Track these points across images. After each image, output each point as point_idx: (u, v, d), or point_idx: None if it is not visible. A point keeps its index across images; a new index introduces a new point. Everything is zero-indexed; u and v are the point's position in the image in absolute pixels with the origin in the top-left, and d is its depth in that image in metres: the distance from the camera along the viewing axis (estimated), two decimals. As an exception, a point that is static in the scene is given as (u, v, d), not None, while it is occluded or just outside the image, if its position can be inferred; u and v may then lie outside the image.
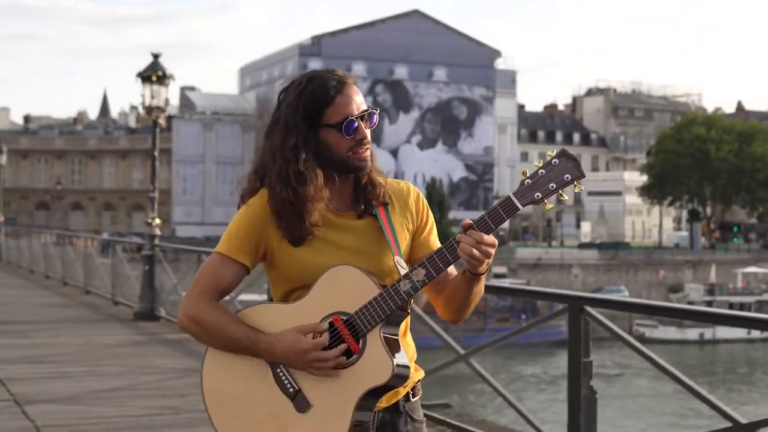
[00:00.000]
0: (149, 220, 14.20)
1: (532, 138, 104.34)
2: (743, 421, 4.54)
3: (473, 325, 45.65)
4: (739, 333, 50.57)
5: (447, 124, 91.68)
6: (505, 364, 40.90)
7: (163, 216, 25.32)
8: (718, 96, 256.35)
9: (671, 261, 72.67)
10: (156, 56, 14.85)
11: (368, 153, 2.58)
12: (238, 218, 2.60)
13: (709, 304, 54.29)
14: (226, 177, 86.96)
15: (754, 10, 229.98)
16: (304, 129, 2.55)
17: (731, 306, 54.35)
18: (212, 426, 2.57)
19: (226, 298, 2.69)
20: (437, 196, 70.67)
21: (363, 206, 2.61)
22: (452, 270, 2.61)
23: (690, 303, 53.53)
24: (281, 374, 2.51)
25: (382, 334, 2.47)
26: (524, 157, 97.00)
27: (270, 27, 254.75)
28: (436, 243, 2.66)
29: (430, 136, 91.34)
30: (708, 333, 53.59)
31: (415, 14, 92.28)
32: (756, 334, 48.95)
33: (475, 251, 2.43)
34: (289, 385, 2.50)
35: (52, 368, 9.07)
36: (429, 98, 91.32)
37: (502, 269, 63.54)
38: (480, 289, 2.56)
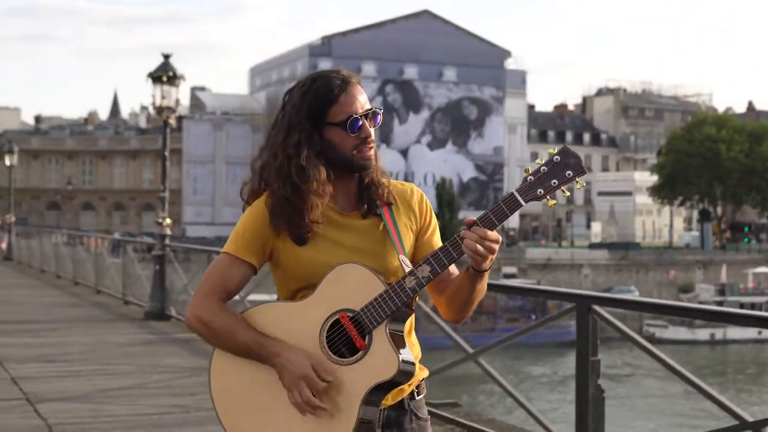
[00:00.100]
0: (160, 220, 14.25)
1: (542, 138, 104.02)
2: (750, 419, 4.56)
3: (483, 325, 45.72)
4: (750, 333, 50.32)
5: (457, 124, 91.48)
6: (514, 365, 40.84)
7: (174, 216, 25.39)
8: (728, 96, 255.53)
9: (682, 261, 72.37)
10: (167, 57, 14.88)
11: (372, 152, 2.60)
12: (244, 219, 2.62)
13: (720, 304, 53.82)
14: (236, 177, 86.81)
15: (765, 10, 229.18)
16: (307, 127, 2.56)
17: (742, 306, 54.00)
18: (220, 425, 2.59)
19: (236, 297, 2.70)
20: (447, 197, 70.39)
21: (367, 206, 2.63)
22: (454, 269, 2.62)
23: (701, 303, 53.31)
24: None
25: (387, 331, 2.48)
26: (534, 157, 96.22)
27: (280, 27, 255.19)
28: (439, 243, 2.66)
29: (440, 136, 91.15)
30: (719, 333, 53.39)
31: (425, 14, 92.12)
32: (767, 334, 48.74)
33: (479, 247, 2.44)
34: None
35: (64, 367, 9.11)
36: (439, 98, 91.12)
37: (512, 269, 63.46)
38: (483, 286, 2.57)
